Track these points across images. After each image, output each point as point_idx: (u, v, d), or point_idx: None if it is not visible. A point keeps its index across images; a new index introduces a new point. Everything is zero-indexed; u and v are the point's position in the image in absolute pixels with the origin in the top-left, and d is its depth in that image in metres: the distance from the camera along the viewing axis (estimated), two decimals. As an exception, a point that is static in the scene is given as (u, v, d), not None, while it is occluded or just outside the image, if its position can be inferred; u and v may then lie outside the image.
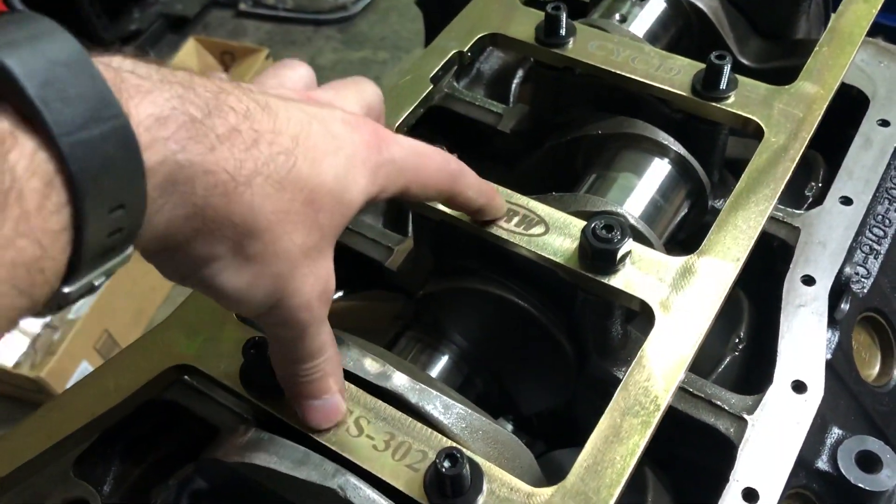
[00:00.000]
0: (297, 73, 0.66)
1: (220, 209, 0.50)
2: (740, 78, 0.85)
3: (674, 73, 0.87)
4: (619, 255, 0.71)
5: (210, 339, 0.70)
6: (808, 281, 0.87)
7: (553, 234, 0.75)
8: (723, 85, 0.84)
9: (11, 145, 0.40)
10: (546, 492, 0.61)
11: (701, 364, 0.90)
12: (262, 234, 0.53)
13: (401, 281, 0.90)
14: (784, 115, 0.82)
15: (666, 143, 0.85)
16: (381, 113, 0.71)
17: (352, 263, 0.92)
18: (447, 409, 0.66)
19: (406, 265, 0.89)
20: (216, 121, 0.49)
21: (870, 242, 0.98)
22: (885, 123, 0.99)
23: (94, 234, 0.43)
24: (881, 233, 0.99)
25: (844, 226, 0.91)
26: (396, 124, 0.86)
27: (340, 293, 0.95)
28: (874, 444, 0.83)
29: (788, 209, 0.92)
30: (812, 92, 0.85)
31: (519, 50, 0.94)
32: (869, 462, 0.83)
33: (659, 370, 0.67)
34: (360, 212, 0.61)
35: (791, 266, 0.88)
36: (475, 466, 0.61)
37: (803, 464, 0.83)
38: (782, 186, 0.78)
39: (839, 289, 0.89)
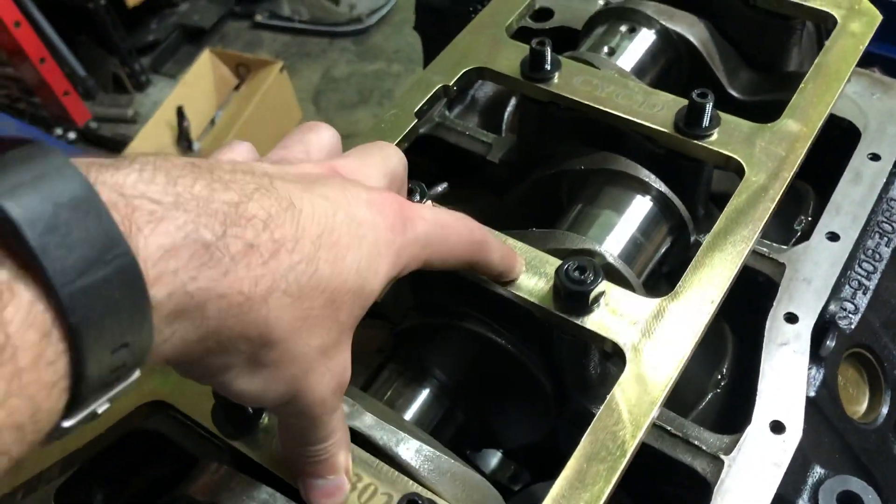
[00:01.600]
0: (322, 138, 0.66)
1: (234, 328, 0.49)
2: (723, 115, 0.85)
3: (657, 110, 0.86)
4: (592, 296, 0.71)
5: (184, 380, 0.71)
6: (791, 319, 0.86)
7: (528, 273, 0.75)
8: (705, 122, 0.84)
9: (8, 300, 0.39)
10: (510, 537, 0.61)
11: (683, 400, 0.90)
12: (277, 344, 0.52)
13: (383, 310, 0.90)
14: (766, 154, 0.82)
15: (647, 180, 0.85)
16: (405, 179, 0.71)
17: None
18: (415, 451, 0.66)
19: (388, 297, 0.90)
20: (231, 240, 0.48)
21: (858, 277, 0.98)
22: (875, 157, 0.99)
23: (93, 374, 0.42)
24: (871, 267, 0.98)
25: (830, 262, 0.90)
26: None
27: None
28: (856, 485, 0.83)
29: (774, 245, 0.92)
30: (795, 130, 0.84)
31: (505, 84, 0.95)
32: (850, 502, 0.82)
33: (627, 414, 0.67)
34: None
35: (774, 303, 0.87)
36: (439, 512, 0.61)
37: (784, 502, 0.82)
38: (761, 227, 0.78)
39: (823, 326, 0.89)
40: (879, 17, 0.93)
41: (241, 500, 0.65)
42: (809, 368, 0.90)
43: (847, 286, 0.97)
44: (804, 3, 0.96)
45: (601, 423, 0.66)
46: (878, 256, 0.99)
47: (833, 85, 0.87)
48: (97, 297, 0.41)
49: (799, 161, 0.82)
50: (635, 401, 0.67)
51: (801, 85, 0.88)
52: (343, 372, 0.59)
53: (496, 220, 0.86)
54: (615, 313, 0.73)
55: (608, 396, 0.68)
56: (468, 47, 0.96)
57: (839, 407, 0.92)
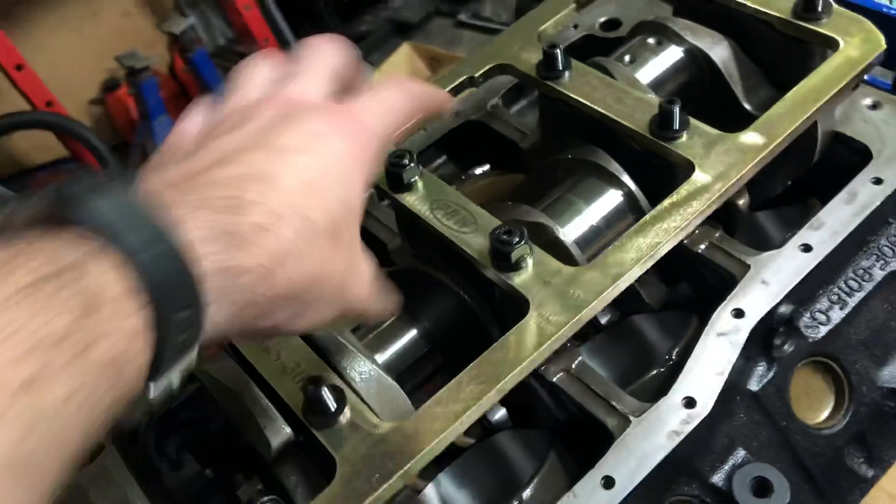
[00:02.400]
0: (268, 73, 0.76)
1: (267, 295, 0.60)
2: (693, 122, 0.94)
3: (640, 113, 0.97)
4: (514, 256, 0.85)
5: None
6: (739, 314, 0.94)
7: (478, 234, 0.90)
8: (675, 126, 0.94)
9: (94, 265, 0.49)
10: (387, 425, 0.77)
11: (628, 371, 1.00)
12: (308, 290, 0.64)
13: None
14: (718, 160, 0.91)
15: (616, 174, 0.96)
16: (352, 68, 0.79)
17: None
18: (343, 351, 0.84)
19: (398, 250, 1.08)
20: (244, 225, 0.58)
21: (839, 293, 1.02)
22: (877, 181, 1.02)
23: (170, 332, 0.52)
24: (856, 285, 1.02)
25: (794, 270, 0.96)
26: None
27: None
28: (772, 474, 0.90)
29: (747, 248, 0.99)
30: (755, 142, 0.92)
31: (522, 80, 1.09)
32: (762, 489, 0.89)
33: (514, 351, 0.80)
34: None
35: (728, 298, 0.95)
36: (340, 394, 0.79)
37: (698, 476, 0.91)
38: (689, 223, 0.87)
39: (772, 327, 0.95)
40: (882, 47, 0.97)
41: (224, 374, 0.86)
42: (759, 365, 0.98)
43: (825, 298, 1.02)
44: (819, 29, 1.01)
45: (490, 354, 0.81)
46: (868, 276, 1.03)
47: (808, 105, 0.93)
48: (162, 264, 0.51)
49: (747, 169, 0.90)
50: (523, 344, 0.81)
51: (780, 100, 0.95)
52: (370, 272, 0.73)
53: (521, 198, 1.01)
54: (537, 275, 0.86)
55: (503, 336, 0.81)
56: (501, 46, 1.11)
57: (786, 407, 0.98)
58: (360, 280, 0.71)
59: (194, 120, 0.72)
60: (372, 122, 0.72)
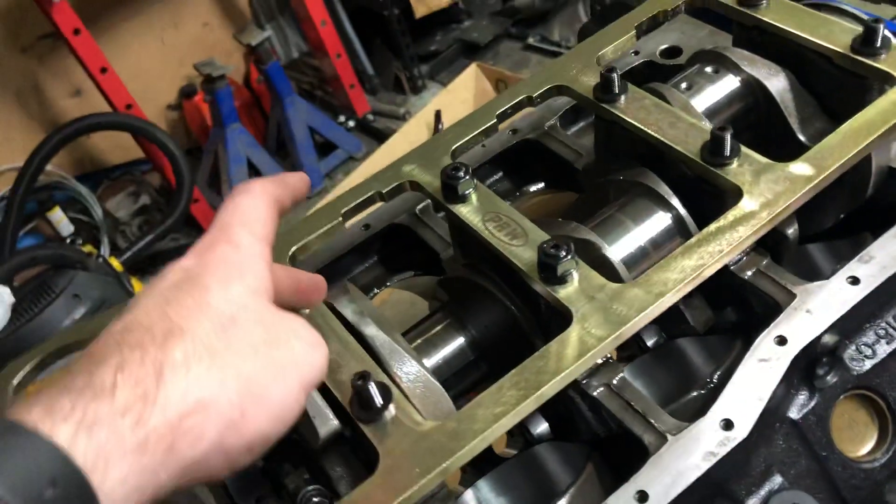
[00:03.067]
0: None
1: (197, 475, 0.64)
2: (745, 149, 0.96)
3: (691, 138, 1.00)
4: (560, 269, 0.88)
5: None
6: (781, 341, 0.95)
7: (527, 247, 0.93)
8: (726, 153, 0.96)
9: None
10: (429, 423, 0.81)
11: (669, 392, 1.02)
12: (235, 444, 0.65)
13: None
14: (767, 188, 0.93)
15: (666, 196, 0.98)
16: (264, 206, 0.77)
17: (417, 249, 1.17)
18: (390, 350, 0.88)
19: (450, 260, 1.12)
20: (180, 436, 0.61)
21: (887, 327, 1.02)
22: (931, 219, 1.02)
23: None
24: (904, 323, 1.03)
25: (841, 301, 0.97)
26: (456, 146, 1.08)
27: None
28: (809, 502, 0.90)
29: (794, 277, 1.00)
30: (804, 172, 0.93)
31: (578, 101, 1.12)
32: (797, 518, 0.90)
33: (555, 361, 0.83)
34: None
35: (771, 325, 0.96)
36: (386, 391, 0.83)
37: (733, 497, 0.93)
38: (733, 248, 0.89)
39: (815, 356, 0.96)
40: (938, 85, 0.98)
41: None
42: (800, 394, 0.98)
43: (872, 332, 1.03)
44: (877, 65, 1.03)
45: (532, 362, 0.84)
46: (919, 314, 1.03)
47: (860, 138, 0.95)
48: None
49: (794, 199, 0.91)
50: (565, 355, 0.84)
51: (834, 132, 0.96)
52: (290, 399, 0.70)
53: (572, 216, 1.05)
54: (581, 290, 0.89)
55: (545, 346, 0.84)
56: (561, 68, 1.14)
57: (827, 437, 0.98)
58: (287, 408, 0.70)
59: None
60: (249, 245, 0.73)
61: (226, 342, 0.66)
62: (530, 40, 4.41)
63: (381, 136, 4.10)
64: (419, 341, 1.00)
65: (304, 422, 0.86)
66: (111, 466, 0.57)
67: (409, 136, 3.77)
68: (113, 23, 3.88)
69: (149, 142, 3.37)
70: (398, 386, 0.86)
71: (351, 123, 4.31)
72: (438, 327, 1.06)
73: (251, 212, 0.75)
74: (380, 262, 1.27)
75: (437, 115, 3.77)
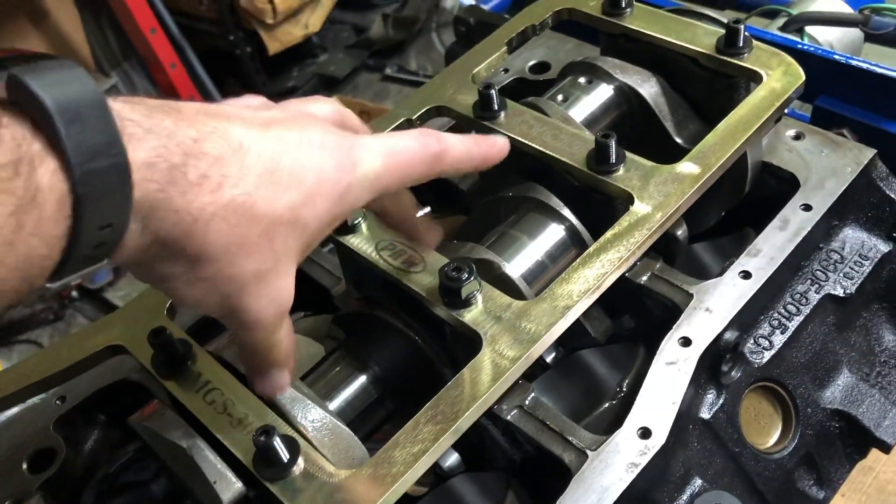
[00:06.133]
0: (320, 108, 0.77)
1: (179, 241, 0.60)
2: (629, 155, 0.96)
3: (576, 148, 0.99)
4: (464, 293, 0.84)
5: (142, 330, 0.89)
6: (685, 342, 0.95)
7: (426, 273, 0.89)
8: (612, 159, 0.95)
9: (40, 163, 0.51)
10: (343, 473, 0.75)
11: (580, 406, 1.00)
12: (213, 262, 0.63)
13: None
14: (657, 190, 0.93)
15: (557, 209, 0.97)
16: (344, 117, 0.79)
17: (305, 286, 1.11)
18: (294, 400, 0.81)
19: (342, 295, 1.06)
20: (190, 168, 0.58)
21: (780, 317, 1.04)
22: (807, 208, 1.06)
23: (84, 244, 0.54)
24: (794, 309, 1.05)
25: (736, 297, 0.98)
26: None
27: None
28: (730, 501, 0.90)
29: (688, 277, 1.01)
30: (690, 171, 0.94)
31: (459, 121, 1.10)
32: (722, 517, 0.89)
33: (469, 389, 0.79)
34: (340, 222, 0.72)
35: (674, 327, 0.96)
36: (293, 444, 0.76)
37: (657, 508, 0.91)
38: (632, 252, 0.88)
39: (718, 354, 0.97)
40: (802, 78, 1.01)
41: (168, 430, 0.83)
42: (708, 393, 0.98)
43: (766, 324, 1.04)
44: (742, 63, 1.05)
45: (446, 393, 0.79)
46: (805, 300, 1.06)
47: (738, 135, 0.97)
48: (99, 179, 0.53)
49: (685, 198, 0.92)
50: (479, 381, 0.80)
51: (712, 132, 0.98)
52: (281, 296, 0.69)
53: (465, 237, 1.01)
54: (487, 311, 0.85)
55: (458, 373, 0.80)
56: (437, 88, 1.12)
57: (738, 433, 0.99)
58: (266, 296, 0.68)
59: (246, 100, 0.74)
60: (371, 166, 0.71)
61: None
62: (388, 71, 4.40)
63: (245, 178, 3.97)
64: (320, 385, 0.94)
65: (203, 487, 0.79)
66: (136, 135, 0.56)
67: (275, 175, 3.67)
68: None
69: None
70: (304, 436, 0.79)
71: (212, 167, 4.15)
72: (337, 368, 0.99)
73: None
74: (265, 306, 1.20)
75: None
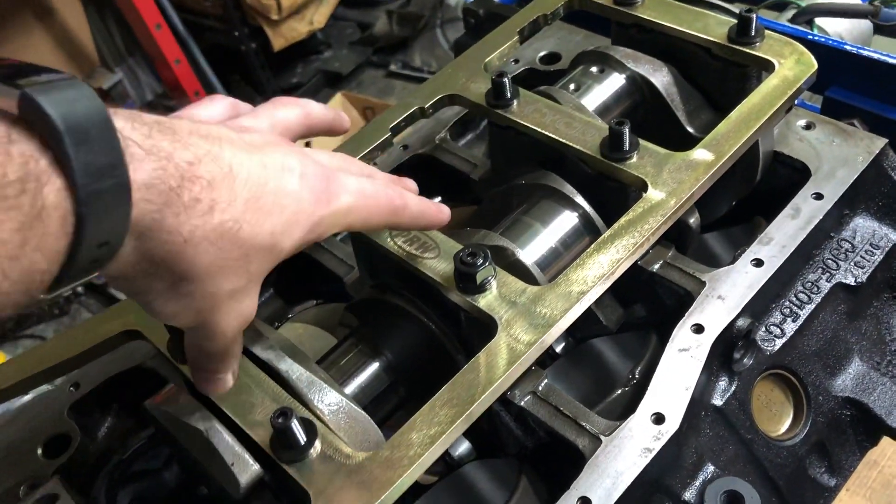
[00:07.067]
0: (288, 115, 0.81)
1: (167, 260, 0.62)
2: (643, 142, 0.96)
3: (590, 136, 0.99)
4: (479, 278, 0.84)
5: (157, 314, 0.89)
6: (698, 329, 0.95)
7: (441, 259, 0.90)
8: (626, 147, 0.96)
9: (47, 180, 0.52)
10: (360, 455, 0.75)
11: (592, 392, 1.00)
12: (195, 281, 0.65)
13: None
14: (671, 177, 0.93)
15: (571, 196, 0.97)
16: (302, 126, 0.83)
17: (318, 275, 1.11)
18: (307, 383, 0.82)
19: (355, 283, 1.07)
20: (185, 191, 0.60)
21: (791, 305, 1.05)
22: (818, 196, 1.06)
23: (82, 260, 0.55)
24: (806, 298, 1.05)
25: (748, 284, 0.98)
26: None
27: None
28: (743, 487, 0.90)
29: (701, 265, 1.01)
30: (704, 159, 0.94)
31: (471, 109, 1.10)
32: (734, 501, 0.89)
33: (484, 373, 0.79)
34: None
35: (686, 314, 0.96)
36: (310, 427, 0.76)
37: (671, 493, 0.91)
38: (646, 239, 0.88)
39: (731, 341, 0.97)
40: (814, 66, 1.02)
41: (185, 413, 0.83)
42: (720, 380, 0.99)
43: (778, 312, 1.04)
44: (754, 52, 1.06)
45: (462, 377, 0.80)
46: (816, 289, 1.06)
47: (752, 122, 0.97)
48: (101, 199, 0.54)
49: (699, 185, 0.92)
50: (495, 364, 0.80)
51: (725, 119, 0.98)
52: (247, 312, 0.72)
53: (477, 225, 1.01)
54: (502, 296, 0.86)
55: (474, 357, 0.81)
56: (448, 77, 1.12)
57: (750, 420, 0.99)
58: (234, 312, 0.70)
59: (215, 104, 0.77)
60: (345, 202, 0.74)
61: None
62: (392, 67, 4.41)
63: (249, 174, 3.97)
64: (332, 371, 0.94)
65: (220, 470, 0.79)
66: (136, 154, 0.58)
67: (280, 170, 3.67)
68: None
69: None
70: (321, 419, 0.80)
71: (216, 163, 4.16)
72: (350, 354, 1.00)
73: None
74: (277, 295, 1.20)
75: (307, 145, 3.69)
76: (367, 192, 0.78)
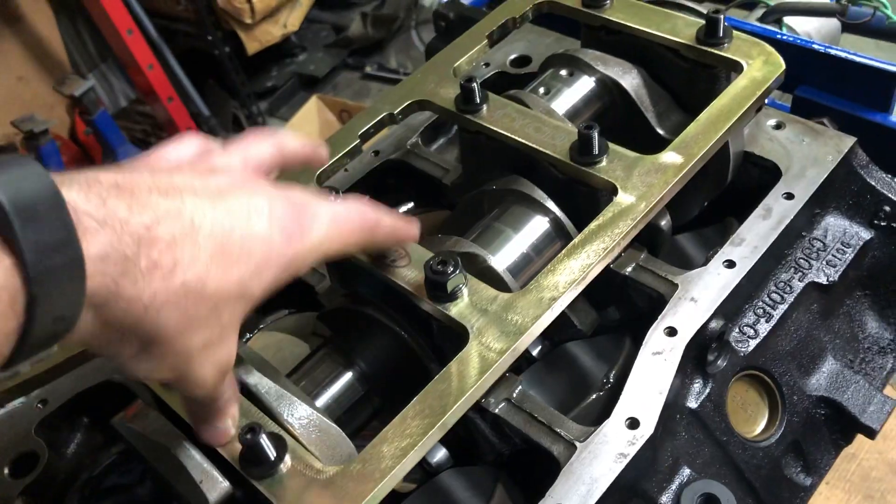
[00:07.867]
0: (261, 150, 0.78)
1: (129, 327, 0.61)
2: (612, 146, 0.96)
3: (559, 140, 0.99)
4: (450, 286, 0.84)
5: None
6: (671, 332, 0.95)
7: (411, 267, 0.89)
8: (595, 151, 0.95)
9: None
10: (331, 469, 0.74)
11: (567, 398, 1.00)
12: (163, 343, 0.63)
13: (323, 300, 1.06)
14: (640, 180, 0.93)
15: (541, 201, 0.97)
16: (276, 161, 0.80)
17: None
18: (281, 398, 0.81)
19: (328, 292, 1.06)
20: (142, 257, 0.59)
21: (764, 306, 1.05)
22: (789, 196, 1.06)
23: (37, 335, 0.55)
24: (778, 298, 1.05)
25: (721, 286, 0.98)
26: (320, 171, 1.02)
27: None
28: (719, 489, 0.90)
29: (673, 268, 1.01)
30: (673, 161, 0.94)
31: (441, 114, 1.09)
32: (711, 505, 0.89)
33: (456, 383, 0.79)
34: None
35: (659, 317, 0.96)
36: (280, 441, 0.75)
37: (647, 497, 0.91)
38: (617, 243, 0.88)
39: (705, 343, 0.97)
40: (782, 67, 1.02)
41: (153, 430, 0.82)
42: (695, 382, 0.99)
43: (751, 312, 1.04)
44: (722, 53, 1.06)
45: (434, 387, 0.79)
46: (788, 289, 1.06)
47: (720, 124, 0.97)
48: (53, 275, 0.53)
49: (669, 188, 0.92)
50: (466, 374, 0.79)
51: (694, 122, 0.98)
52: (225, 360, 0.70)
53: (449, 231, 1.00)
54: (473, 304, 0.85)
55: (445, 366, 0.80)
56: (418, 83, 1.11)
57: (725, 422, 0.99)
58: (210, 362, 0.68)
59: (185, 144, 0.74)
60: (317, 233, 0.73)
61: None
62: (368, 69, 4.40)
63: (225, 179, 3.95)
64: (304, 382, 0.93)
65: (189, 487, 0.78)
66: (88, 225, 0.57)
67: (256, 175, 3.65)
68: None
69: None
70: (291, 434, 0.79)
71: (191, 169, 4.12)
72: (323, 365, 0.99)
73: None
74: (248, 305, 1.19)
75: (283, 151, 3.67)
76: (340, 216, 0.76)
